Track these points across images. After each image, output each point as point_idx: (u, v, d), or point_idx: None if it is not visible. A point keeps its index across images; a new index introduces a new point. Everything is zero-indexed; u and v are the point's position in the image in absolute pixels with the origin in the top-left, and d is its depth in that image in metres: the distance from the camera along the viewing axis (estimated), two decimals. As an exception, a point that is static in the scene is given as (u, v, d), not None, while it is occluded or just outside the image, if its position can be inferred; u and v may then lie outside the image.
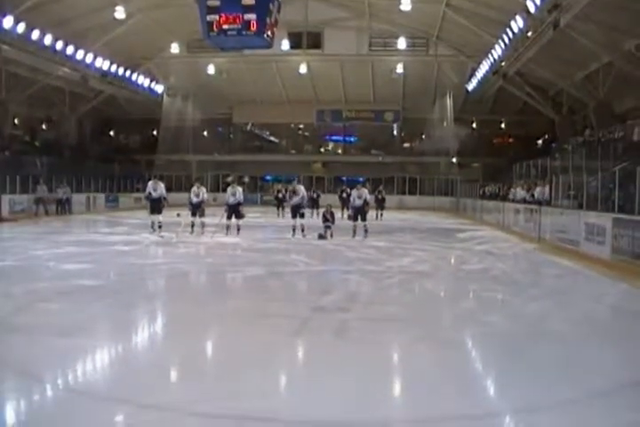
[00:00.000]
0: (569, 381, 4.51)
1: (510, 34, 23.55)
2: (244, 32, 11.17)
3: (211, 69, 33.96)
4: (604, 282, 9.35)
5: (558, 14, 18.99)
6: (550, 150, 25.64)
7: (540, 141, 35.77)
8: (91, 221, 22.17)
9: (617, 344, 5.71)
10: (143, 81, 35.08)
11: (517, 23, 22.22)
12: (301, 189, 15.34)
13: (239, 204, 14.82)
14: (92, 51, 28.61)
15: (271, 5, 11.30)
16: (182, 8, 24.90)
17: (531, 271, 10.74)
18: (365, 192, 15.22)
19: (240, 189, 15.25)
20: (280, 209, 24.56)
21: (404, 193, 36.75)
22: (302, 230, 14.91)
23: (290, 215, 15.72)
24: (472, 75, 32.21)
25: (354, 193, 15.41)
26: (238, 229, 15.01)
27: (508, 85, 29.94)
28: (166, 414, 3.76)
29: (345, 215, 20.00)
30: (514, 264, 11.63)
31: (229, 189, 15.09)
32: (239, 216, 14.91)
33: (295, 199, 15.00)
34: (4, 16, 22.30)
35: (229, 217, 14.89)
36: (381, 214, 23.78)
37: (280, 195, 25.13)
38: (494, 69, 28.15)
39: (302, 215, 15.08)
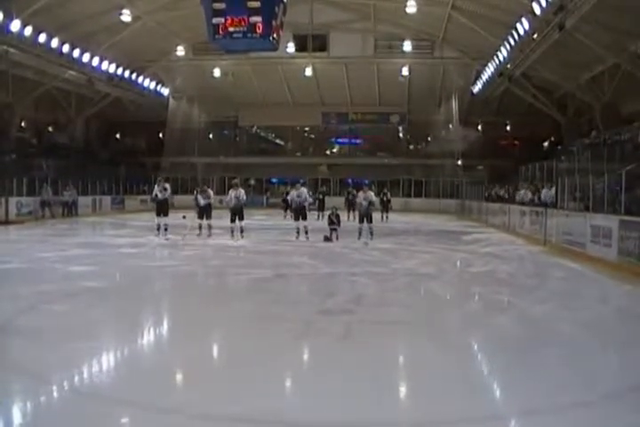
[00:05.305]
0: (574, 383, 4.49)
1: (516, 36, 23.58)
2: (249, 35, 11.13)
3: (216, 72, 34.02)
4: (611, 284, 9.31)
5: (564, 16, 18.99)
6: (556, 152, 25.55)
7: (545, 144, 35.68)
8: (97, 224, 22.24)
9: (622, 347, 5.68)
10: (149, 84, 35.31)
11: (523, 25, 22.25)
12: (304, 191, 15.41)
13: (240, 205, 14.84)
14: (99, 54, 28.81)
15: (277, 8, 11.28)
16: (188, 11, 25.03)
17: (536, 274, 10.69)
18: (371, 194, 15.20)
19: (242, 190, 15.27)
20: (287, 211, 24.56)
21: (409, 195, 36.75)
22: (306, 233, 14.97)
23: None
24: (477, 77, 32.24)
25: (359, 195, 15.39)
26: (241, 232, 15.03)
27: (513, 87, 29.95)
28: (170, 417, 3.77)
29: (350, 217, 19.98)
30: (520, 266, 11.58)
31: (231, 193, 15.09)
32: (242, 218, 14.94)
33: (298, 201, 15.05)
34: (12, 19, 22.47)
35: (233, 220, 14.91)
36: (387, 216, 23.79)
37: (288, 197, 25.15)
38: (500, 71, 28.16)
39: (305, 217, 15.15)
